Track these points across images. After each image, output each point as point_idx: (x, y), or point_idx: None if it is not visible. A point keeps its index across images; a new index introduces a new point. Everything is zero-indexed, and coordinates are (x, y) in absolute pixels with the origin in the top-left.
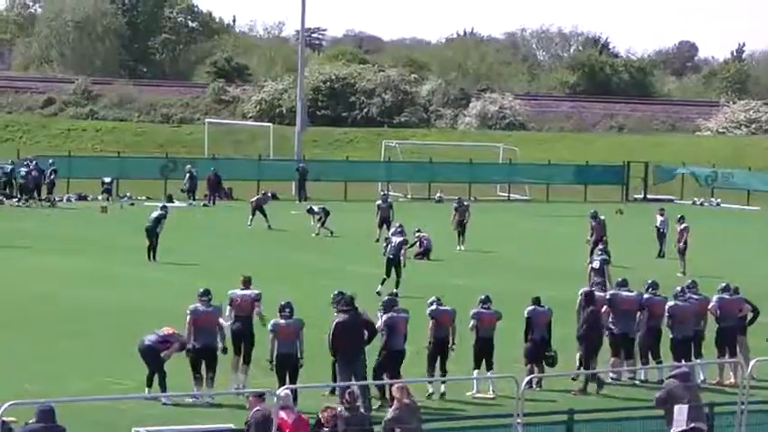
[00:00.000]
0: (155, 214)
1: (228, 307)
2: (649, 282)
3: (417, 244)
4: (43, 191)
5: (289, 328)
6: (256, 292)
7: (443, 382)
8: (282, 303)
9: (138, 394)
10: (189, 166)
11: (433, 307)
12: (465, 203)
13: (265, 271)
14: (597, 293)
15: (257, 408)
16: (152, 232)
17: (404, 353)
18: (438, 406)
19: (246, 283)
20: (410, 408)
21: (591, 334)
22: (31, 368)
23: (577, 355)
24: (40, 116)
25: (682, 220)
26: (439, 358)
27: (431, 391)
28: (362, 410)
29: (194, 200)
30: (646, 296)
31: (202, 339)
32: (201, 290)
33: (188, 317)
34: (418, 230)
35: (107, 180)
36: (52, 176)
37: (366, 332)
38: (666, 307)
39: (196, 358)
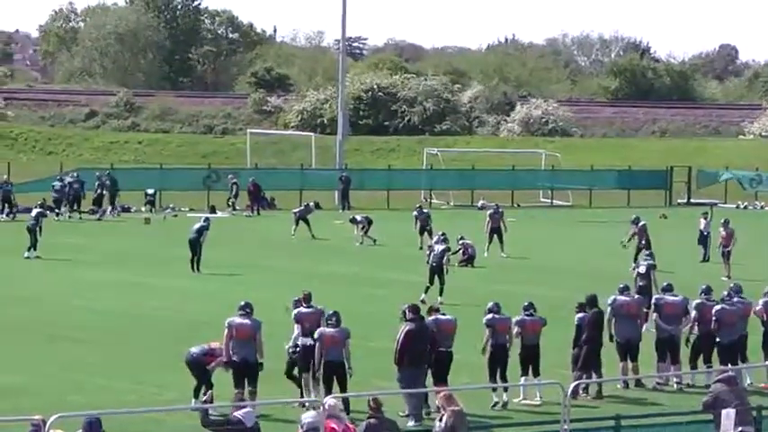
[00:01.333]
0: (197, 226)
1: (296, 325)
2: (703, 287)
3: (461, 251)
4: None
5: (335, 336)
6: (320, 308)
7: (505, 390)
8: (329, 312)
9: (184, 405)
10: (231, 176)
11: (489, 316)
12: (501, 210)
13: (309, 280)
14: (626, 298)
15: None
16: (195, 244)
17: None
18: (485, 413)
19: (307, 299)
20: (460, 414)
21: (594, 335)
22: (77, 380)
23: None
24: (82, 129)
25: (726, 223)
26: (500, 368)
27: (495, 400)
28: (417, 418)
29: (235, 209)
30: (697, 301)
31: (241, 353)
32: (242, 303)
33: (225, 330)
34: (461, 238)
35: (150, 192)
36: (99, 190)
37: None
38: (713, 311)
39: (237, 373)
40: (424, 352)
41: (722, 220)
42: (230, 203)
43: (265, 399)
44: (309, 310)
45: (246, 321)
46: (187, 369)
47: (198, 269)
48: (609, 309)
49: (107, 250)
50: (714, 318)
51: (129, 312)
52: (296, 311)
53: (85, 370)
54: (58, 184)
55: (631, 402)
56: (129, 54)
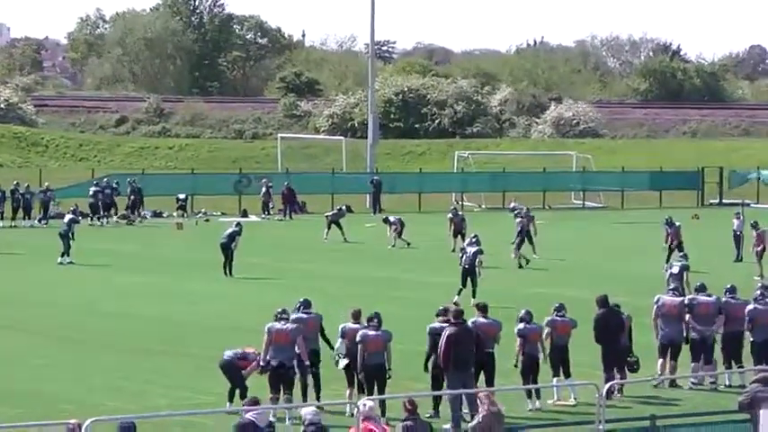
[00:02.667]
0: (229, 231)
1: (340, 339)
2: (728, 286)
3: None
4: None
5: (377, 339)
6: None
7: (539, 397)
8: (370, 314)
9: (218, 409)
10: (264, 179)
11: (522, 326)
12: (530, 213)
13: (344, 283)
14: (672, 299)
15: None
16: (227, 248)
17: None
18: (521, 415)
19: (357, 316)
20: (496, 415)
21: (603, 335)
22: (111, 384)
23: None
24: (112, 135)
25: (756, 225)
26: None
27: (530, 407)
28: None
29: (269, 214)
30: (723, 300)
31: (279, 357)
32: (279, 309)
33: (265, 336)
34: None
35: (182, 197)
36: (132, 196)
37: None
38: (746, 310)
39: (273, 377)
40: (470, 355)
41: (752, 222)
42: (267, 208)
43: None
44: (355, 326)
45: (286, 326)
46: (221, 373)
47: (231, 273)
48: (654, 307)
49: (140, 255)
50: (747, 317)
51: (162, 317)
52: (342, 326)
53: (119, 374)
54: (92, 190)
55: (666, 403)
56: (157, 60)
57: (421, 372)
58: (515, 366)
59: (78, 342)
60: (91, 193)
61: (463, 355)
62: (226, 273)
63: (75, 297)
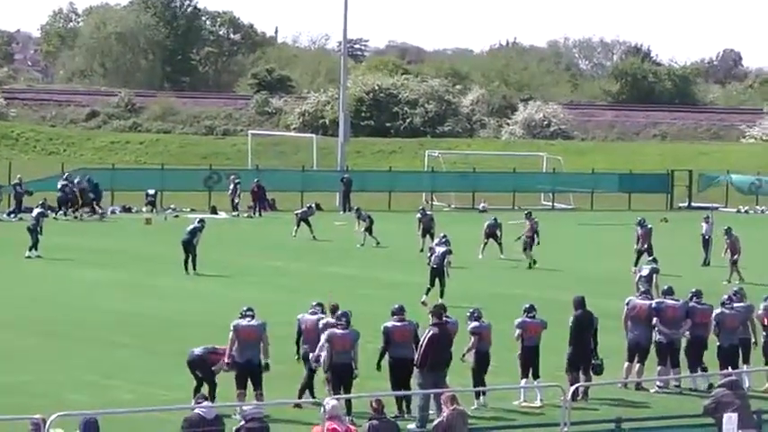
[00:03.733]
0: (191, 226)
1: (327, 344)
2: (693, 290)
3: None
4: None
5: (345, 338)
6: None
7: (484, 393)
8: (339, 313)
9: (184, 405)
10: (232, 176)
11: (475, 323)
12: (499, 223)
13: (312, 281)
14: (642, 302)
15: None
16: (188, 245)
17: (406, 361)
18: (485, 415)
19: (334, 310)
20: (459, 415)
21: (577, 336)
22: (76, 378)
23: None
24: (83, 129)
25: (729, 231)
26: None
27: (475, 405)
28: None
29: (237, 211)
30: (690, 304)
31: (246, 354)
32: (244, 307)
33: (231, 333)
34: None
35: (151, 192)
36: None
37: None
38: (713, 315)
39: (240, 374)
40: (446, 356)
41: (724, 228)
42: (234, 204)
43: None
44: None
45: (252, 323)
46: (188, 369)
47: (194, 269)
48: (625, 309)
49: (108, 250)
50: (714, 322)
51: (130, 312)
52: (329, 331)
53: (85, 369)
54: (60, 184)
55: (632, 405)
56: (129, 54)
57: (386, 370)
58: (462, 360)
59: (44, 336)
60: (59, 186)
61: (440, 356)
62: (186, 269)
63: (41, 291)
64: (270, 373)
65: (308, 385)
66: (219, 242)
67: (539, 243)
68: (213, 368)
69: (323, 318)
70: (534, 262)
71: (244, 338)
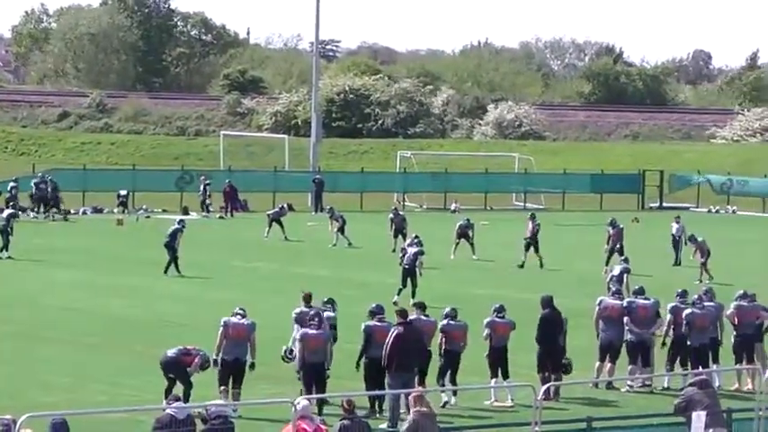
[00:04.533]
0: (172, 228)
1: (299, 344)
2: (679, 291)
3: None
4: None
5: (318, 338)
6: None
7: (455, 393)
8: (312, 313)
9: (155, 405)
10: (203, 177)
11: (445, 322)
12: (472, 223)
13: (284, 282)
14: (614, 301)
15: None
16: (170, 246)
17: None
18: (456, 414)
19: (308, 299)
20: (428, 415)
21: (543, 336)
22: (48, 379)
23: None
24: (55, 130)
25: (693, 237)
26: (450, 371)
27: (445, 399)
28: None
29: (208, 212)
30: (672, 304)
31: (234, 352)
32: (237, 308)
33: (220, 329)
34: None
35: (123, 193)
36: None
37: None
38: (683, 315)
39: (225, 372)
40: (414, 356)
41: (688, 236)
42: (204, 206)
43: (248, 399)
44: (327, 315)
45: (243, 322)
46: (161, 371)
47: (177, 271)
48: (596, 309)
49: (80, 251)
50: (685, 321)
51: (101, 313)
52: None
53: (56, 370)
54: (32, 184)
55: (603, 405)
56: (102, 55)
57: (361, 371)
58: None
59: (15, 337)
60: (32, 186)
61: (408, 356)
62: (167, 270)
63: (13, 291)
64: (252, 373)
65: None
66: (191, 243)
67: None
68: (188, 369)
69: (331, 314)
70: (542, 264)
71: (233, 336)
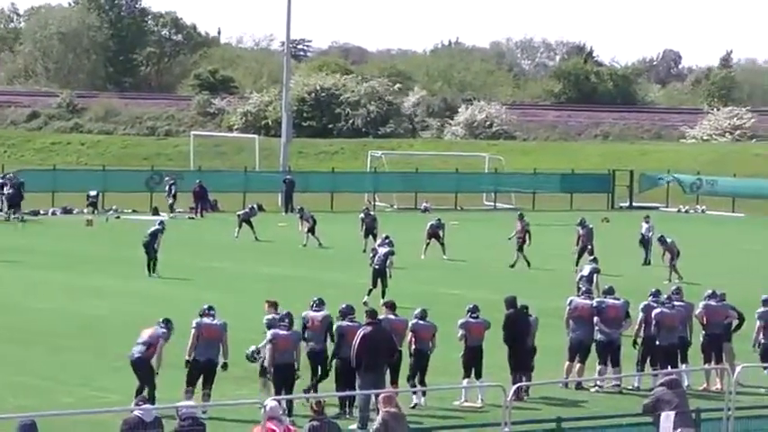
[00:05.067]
0: (151, 229)
1: (269, 345)
2: (652, 290)
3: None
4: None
5: (288, 338)
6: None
7: (424, 394)
8: (282, 314)
9: (125, 407)
10: (167, 177)
11: (414, 321)
12: (443, 223)
13: (254, 282)
14: (584, 301)
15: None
16: (150, 247)
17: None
18: (426, 414)
19: (274, 305)
20: (397, 416)
21: (508, 336)
22: (15, 380)
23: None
24: (24, 130)
25: (663, 239)
26: (419, 371)
27: (415, 401)
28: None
29: (173, 212)
30: (644, 303)
31: (206, 354)
32: (205, 306)
33: (192, 330)
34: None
35: (92, 193)
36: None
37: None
38: (653, 314)
39: (195, 372)
40: (383, 356)
41: (657, 237)
42: (169, 206)
43: (218, 400)
44: (317, 314)
45: (215, 322)
46: (132, 370)
47: (155, 272)
48: (567, 309)
49: (49, 252)
50: (654, 321)
51: (71, 314)
52: (305, 314)
53: (24, 371)
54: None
55: (572, 405)
56: (72, 55)
57: (330, 372)
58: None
59: None
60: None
61: (376, 356)
62: (149, 272)
63: None
64: (225, 373)
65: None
66: (162, 243)
67: (530, 244)
68: (155, 359)
69: (326, 313)
70: (528, 263)
71: (206, 337)
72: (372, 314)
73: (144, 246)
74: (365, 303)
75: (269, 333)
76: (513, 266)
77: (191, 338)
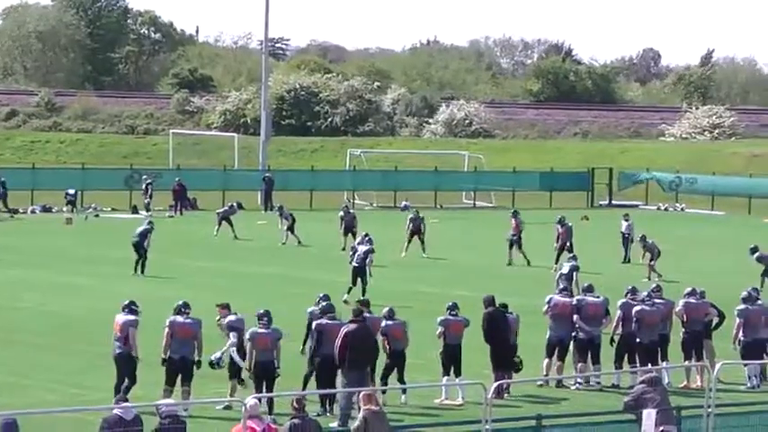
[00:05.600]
0: (141, 228)
1: (249, 343)
2: (629, 287)
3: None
4: None
5: (266, 337)
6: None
7: (404, 392)
8: (260, 312)
9: (106, 405)
10: (145, 176)
11: (383, 323)
12: (421, 216)
13: (234, 280)
14: (564, 299)
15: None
16: (139, 246)
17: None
18: (406, 412)
19: (227, 307)
20: (378, 414)
21: (487, 335)
22: None
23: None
24: (2, 128)
25: (643, 239)
26: (396, 370)
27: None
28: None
29: (150, 211)
30: (622, 301)
31: (180, 351)
32: (180, 303)
33: (166, 329)
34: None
35: (71, 192)
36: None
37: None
38: (633, 312)
39: (172, 370)
40: (367, 354)
41: (639, 237)
42: (145, 205)
43: (196, 398)
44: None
45: (188, 321)
46: (114, 366)
47: (143, 272)
48: (546, 307)
49: (28, 250)
50: (634, 318)
51: (50, 312)
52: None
53: (5, 370)
54: None
55: (552, 402)
56: (50, 53)
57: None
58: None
59: None
60: None
61: (360, 354)
62: (137, 271)
63: None
64: (208, 370)
65: (308, 379)
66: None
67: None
68: (135, 352)
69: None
70: (528, 262)
71: (180, 336)
72: (358, 312)
73: (133, 245)
74: (345, 302)
75: (247, 332)
76: (510, 264)
77: (164, 337)
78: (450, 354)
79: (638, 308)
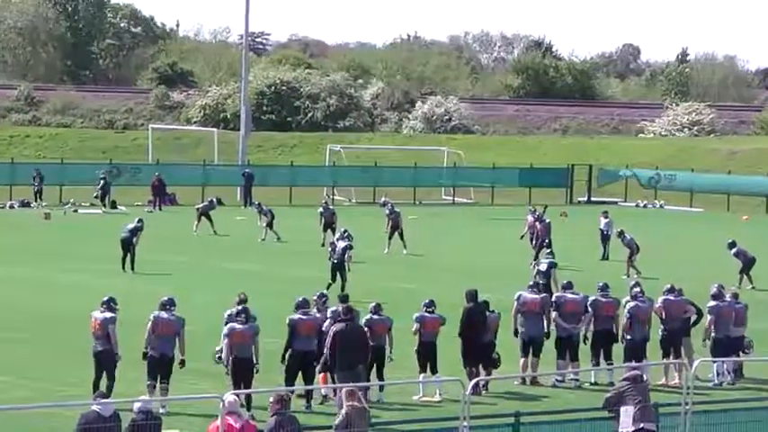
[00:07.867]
0: (130, 226)
1: (226, 339)
2: (600, 284)
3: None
4: None
5: (244, 333)
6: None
7: (381, 389)
8: (239, 308)
9: (83, 401)
10: (99, 171)
11: (368, 317)
12: (397, 210)
13: (213, 276)
14: (532, 296)
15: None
16: (127, 243)
17: (310, 354)
18: (384, 408)
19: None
20: (359, 411)
21: (464, 330)
22: None
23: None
24: None
25: (622, 235)
26: (375, 366)
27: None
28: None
29: (105, 206)
30: (593, 298)
31: (161, 348)
32: (165, 298)
33: (149, 324)
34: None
35: (36, 183)
36: None
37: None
38: (627, 308)
39: (153, 366)
40: (358, 353)
41: (617, 232)
42: (96, 197)
43: (175, 395)
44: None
45: (172, 318)
46: (94, 362)
47: (132, 269)
48: (515, 304)
49: (7, 245)
50: (627, 315)
51: (28, 308)
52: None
53: None
54: None
55: (531, 399)
56: (29, 47)
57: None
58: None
59: None
60: None
61: (350, 354)
62: (124, 267)
63: None
64: (182, 368)
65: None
66: (114, 237)
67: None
68: (116, 349)
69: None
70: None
71: (161, 332)
72: (348, 310)
73: (122, 242)
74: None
75: (225, 328)
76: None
77: (146, 332)
78: (425, 351)
79: (632, 304)
